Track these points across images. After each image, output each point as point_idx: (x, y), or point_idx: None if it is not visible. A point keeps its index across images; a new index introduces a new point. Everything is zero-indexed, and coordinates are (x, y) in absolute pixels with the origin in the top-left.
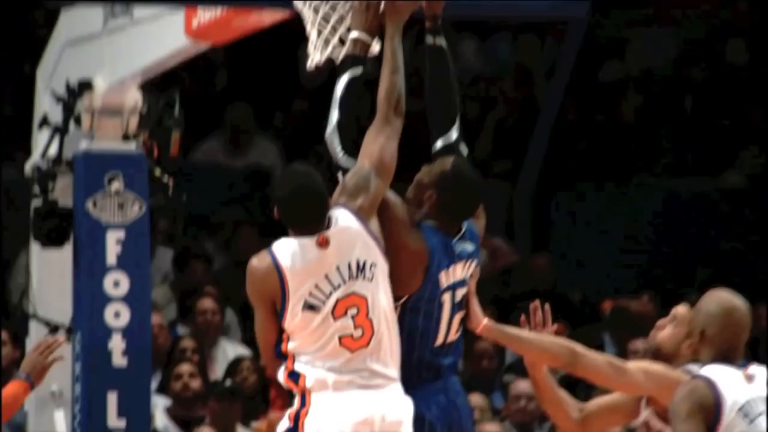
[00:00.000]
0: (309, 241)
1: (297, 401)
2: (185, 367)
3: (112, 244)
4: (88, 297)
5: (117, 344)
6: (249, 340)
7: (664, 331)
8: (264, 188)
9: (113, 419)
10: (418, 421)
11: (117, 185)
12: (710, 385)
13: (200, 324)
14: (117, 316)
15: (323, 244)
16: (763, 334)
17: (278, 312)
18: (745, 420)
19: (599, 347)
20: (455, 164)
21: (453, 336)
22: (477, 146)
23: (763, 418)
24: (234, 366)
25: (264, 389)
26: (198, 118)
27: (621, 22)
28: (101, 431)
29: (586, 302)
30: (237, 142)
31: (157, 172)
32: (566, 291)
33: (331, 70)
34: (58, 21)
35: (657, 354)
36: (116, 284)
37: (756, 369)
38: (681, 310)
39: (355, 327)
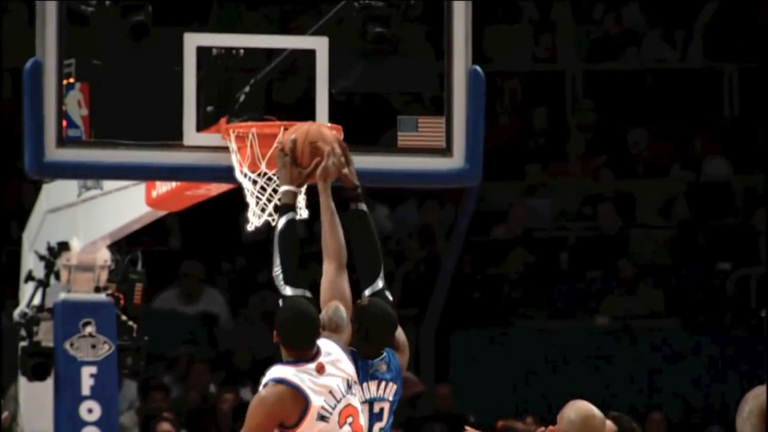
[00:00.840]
0: (309, 367)
1: None
2: None
3: (87, 378)
4: (67, 421)
5: None
6: None
7: None
8: (212, 330)
9: None
10: None
11: (90, 329)
12: None
13: None
14: None
15: (321, 370)
16: None
17: (291, 426)
18: None
19: None
20: (370, 300)
21: None
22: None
23: None
24: None
25: None
26: (157, 272)
27: (506, 191)
28: None
29: (480, 423)
30: (189, 293)
31: (123, 317)
32: (464, 413)
33: (267, 230)
34: (40, 193)
35: None
36: (90, 411)
37: None
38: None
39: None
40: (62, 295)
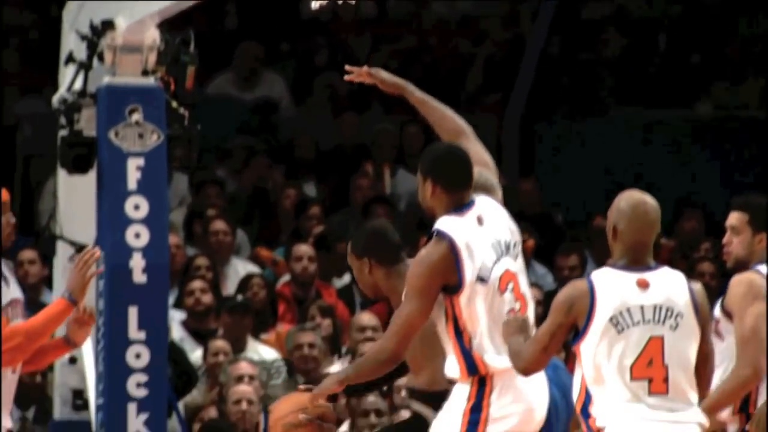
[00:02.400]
0: (470, 216)
1: (474, 385)
2: (197, 284)
3: (133, 171)
4: (111, 219)
5: (137, 263)
6: (257, 258)
7: (733, 244)
8: (272, 118)
9: (134, 331)
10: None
11: (137, 116)
12: (589, 289)
13: (213, 244)
14: (137, 236)
15: (480, 221)
16: None
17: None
18: (615, 329)
19: (582, 263)
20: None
21: None
22: (468, 80)
23: (647, 327)
24: (245, 282)
25: (272, 304)
26: (211, 54)
27: None
28: (123, 342)
29: (568, 222)
30: (247, 76)
31: (174, 104)
32: (550, 211)
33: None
34: None
35: (738, 265)
36: (136, 207)
37: (660, 274)
38: (732, 218)
39: (515, 300)
40: (106, 79)
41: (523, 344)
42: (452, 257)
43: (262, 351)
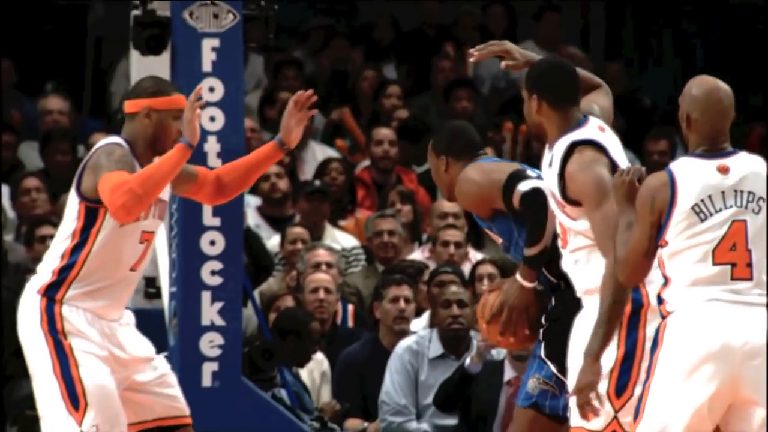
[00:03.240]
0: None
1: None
2: (273, 168)
3: (208, 52)
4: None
5: (212, 146)
6: (333, 142)
7: None
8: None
9: (208, 217)
10: None
11: None
12: (670, 179)
13: None
14: (212, 120)
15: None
16: None
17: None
18: (697, 217)
19: (672, 149)
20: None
21: None
22: None
23: (729, 212)
24: (323, 167)
25: (351, 189)
26: None
27: None
28: (197, 229)
29: (655, 106)
30: None
31: None
32: (638, 95)
33: None
34: None
35: None
36: (212, 89)
37: (738, 159)
38: None
39: None
40: None
41: (624, 246)
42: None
43: (340, 238)
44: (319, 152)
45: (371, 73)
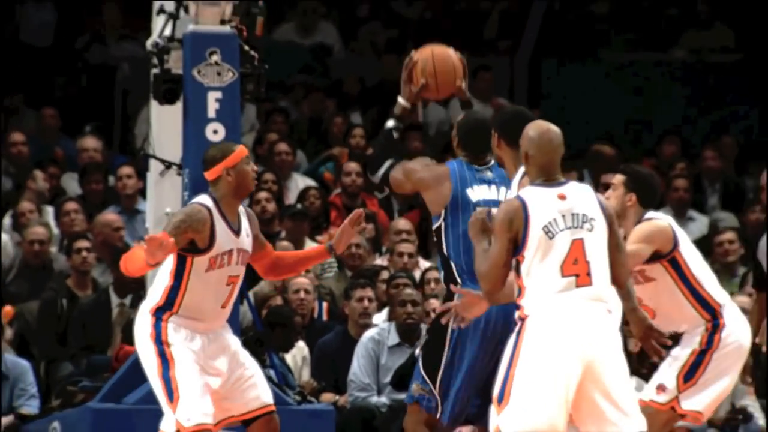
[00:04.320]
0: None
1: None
2: (263, 194)
3: (212, 102)
4: (194, 142)
5: None
6: (312, 173)
7: (611, 199)
8: (326, 60)
9: None
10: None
11: (216, 57)
12: (522, 205)
13: (277, 162)
14: None
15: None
16: None
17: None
18: (546, 236)
19: (580, 180)
20: (465, 113)
21: None
22: (486, 30)
23: (569, 232)
24: (303, 194)
25: (326, 211)
26: (277, 6)
27: None
28: None
29: (568, 145)
30: (306, 26)
31: (246, 47)
32: None
33: None
34: None
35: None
36: (215, 132)
37: (572, 187)
38: (617, 177)
39: None
40: (191, 27)
41: (484, 263)
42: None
43: None
44: (300, 182)
45: (341, 119)
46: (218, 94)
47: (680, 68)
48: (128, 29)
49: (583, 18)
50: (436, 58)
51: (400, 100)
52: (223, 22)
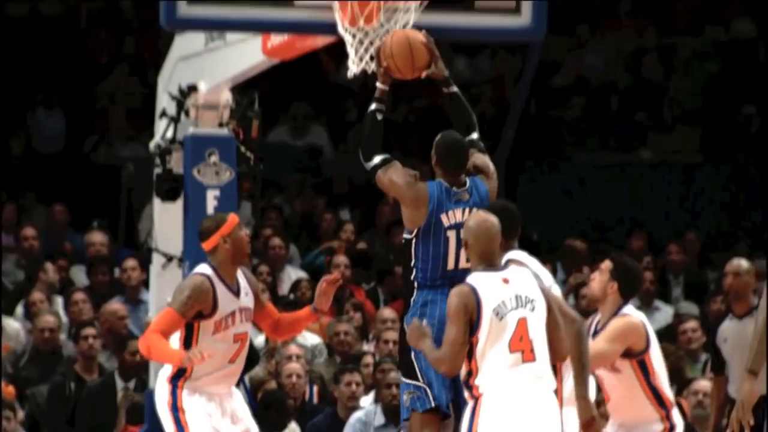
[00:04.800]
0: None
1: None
2: (259, 286)
3: (211, 199)
4: (194, 236)
5: None
6: (306, 266)
7: (594, 282)
8: (317, 160)
9: None
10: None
11: (214, 158)
12: (473, 291)
13: (271, 255)
14: None
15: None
16: None
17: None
18: (497, 318)
19: (554, 272)
20: (443, 133)
21: (463, 265)
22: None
23: (515, 312)
24: (295, 285)
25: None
26: (271, 111)
27: (565, 44)
28: None
29: (542, 240)
30: (298, 128)
31: (242, 149)
32: (529, 231)
33: (364, 77)
34: (173, 42)
35: (592, 300)
36: None
37: (513, 271)
38: (605, 263)
39: None
40: (191, 130)
41: (438, 350)
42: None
43: (308, 337)
44: (293, 274)
45: (331, 216)
46: (216, 192)
47: (647, 168)
48: (133, 131)
49: (557, 122)
50: (394, 41)
51: (377, 83)
52: (221, 125)
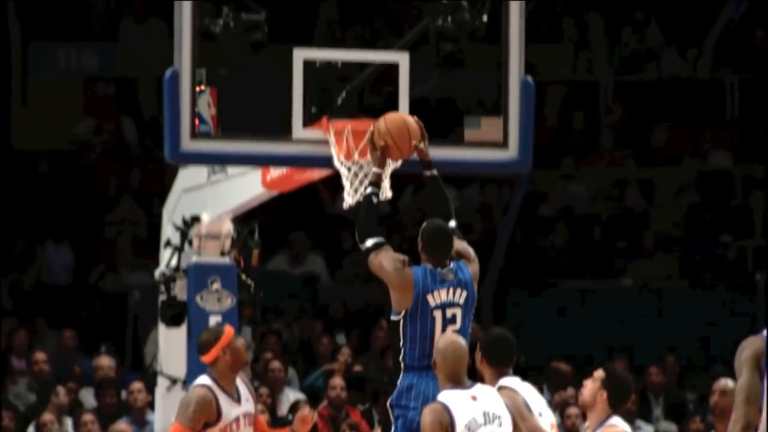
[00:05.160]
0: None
1: None
2: (259, 407)
3: (213, 325)
4: (197, 360)
5: None
6: (304, 389)
7: (586, 388)
8: (314, 287)
9: None
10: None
11: (216, 286)
12: (445, 408)
13: (271, 378)
14: None
15: None
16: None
17: None
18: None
19: (540, 391)
20: (428, 220)
21: None
22: None
23: (485, 428)
24: (294, 406)
25: (314, 425)
26: (270, 240)
27: (551, 177)
28: None
29: (529, 363)
30: (296, 257)
31: (243, 276)
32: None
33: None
34: (177, 175)
35: (582, 406)
36: None
37: (479, 389)
38: (598, 372)
39: None
40: (194, 258)
41: None
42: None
43: None
44: (291, 396)
45: (327, 340)
46: (219, 318)
47: (629, 294)
48: (139, 260)
49: (542, 250)
50: (388, 119)
51: (373, 168)
52: (223, 254)
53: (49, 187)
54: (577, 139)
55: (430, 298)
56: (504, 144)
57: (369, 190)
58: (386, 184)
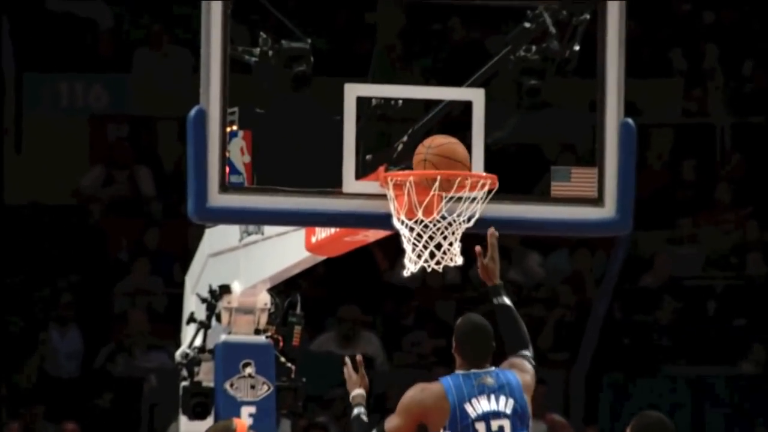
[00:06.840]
0: None
1: None
2: None
3: (246, 417)
4: None
5: None
6: None
7: None
8: (369, 372)
9: None
10: None
11: (250, 370)
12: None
13: None
14: None
15: None
16: None
17: None
18: None
19: None
20: (465, 315)
21: None
22: (540, 340)
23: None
24: None
25: None
26: (316, 315)
27: (655, 239)
28: None
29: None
30: (347, 336)
31: (282, 359)
32: None
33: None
34: (203, 237)
35: None
36: None
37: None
38: None
39: None
40: (223, 337)
41: None
42: None
43: None
44: None
45: None
46: (252, 409)
47: (751, 382)
48: (156, 339)
49: (645, 328)
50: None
51: (353, 393)
52: (257, 331)
53: (47, 251)
54: (688, 193)
55: (468, 407)
56: (599, 200)
57: (355, 411)
58: (456, 248)
